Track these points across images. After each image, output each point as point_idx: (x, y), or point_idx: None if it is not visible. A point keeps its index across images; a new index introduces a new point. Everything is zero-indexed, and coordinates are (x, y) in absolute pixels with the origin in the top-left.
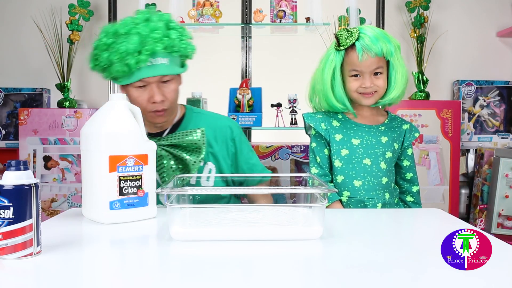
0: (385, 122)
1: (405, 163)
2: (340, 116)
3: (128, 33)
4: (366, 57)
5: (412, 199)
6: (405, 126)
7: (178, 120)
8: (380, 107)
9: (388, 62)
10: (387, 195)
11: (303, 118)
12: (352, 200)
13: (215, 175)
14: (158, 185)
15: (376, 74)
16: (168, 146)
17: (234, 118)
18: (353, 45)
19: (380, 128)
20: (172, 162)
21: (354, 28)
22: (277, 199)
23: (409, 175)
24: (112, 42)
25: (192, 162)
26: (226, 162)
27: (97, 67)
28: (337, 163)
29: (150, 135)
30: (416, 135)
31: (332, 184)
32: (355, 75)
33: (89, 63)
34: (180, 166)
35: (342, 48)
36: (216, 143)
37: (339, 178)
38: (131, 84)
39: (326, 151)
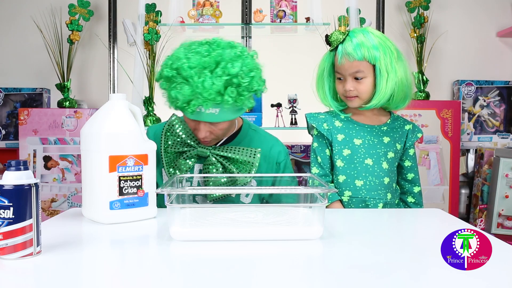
0: (388, 122)
1: (407, 163)
2: (342, 116)
3: (185, 79)
4: (344, 61)
5: (413, 200)
6: (407, 127)
7: (234, 133)
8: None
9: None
10: (389, 195)
11: (306, 118)
12: (354, 200)
13: (257, 189)
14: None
15: (357, 78)
16: (221, 157)
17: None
18: (337, 48)
19: (382, 128)
20: (220, 171)
21: (345, 31)
22: None
23: (410, 176)
24: (171, 77)
25: (241, 179)
26: (267, 183)
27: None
28: (339, 163)
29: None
30: (419, 135)
31: (332, 184)
32: (339, 78)
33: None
34: (228, 180)
35: (331, 49)
36: (264, 162)
37: (341, 178)
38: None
39: (327, 151)
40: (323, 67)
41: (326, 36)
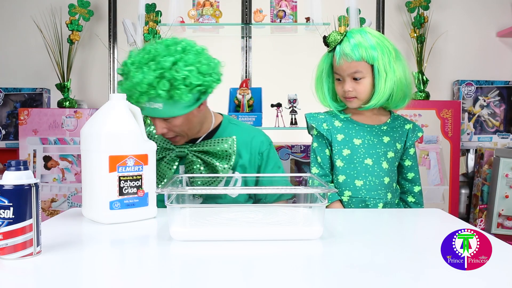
0: (388, 122)
1: (407, 162)
2: (342, 116)
3: (126, 75)
4: (342, 62)
5: (413, 200)
6: (407, 126)
7: (214, 129)
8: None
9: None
10: (389, 195)
11: (306, 118)
12: (354, 200)
13: (242, 175)
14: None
15: (356, 79)
16: (199, 152)
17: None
18: (335, 48)
19: (382, 128)
20: (202, 168)
21: (343, 32)
22: None
23: (410, 175)
24: (120, 74)
25: (221, 169)
26: (251, 172)
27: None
28: (338, 163)
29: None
30: (419, 134)
31: (332, 184)
32: (338, 79)
33: None
34: (209, 171)
35: (329, 50)
36: (247, 153)
37: (341, 178)
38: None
39: (327, 151)
40: (322, 68)
41: (324, 37)
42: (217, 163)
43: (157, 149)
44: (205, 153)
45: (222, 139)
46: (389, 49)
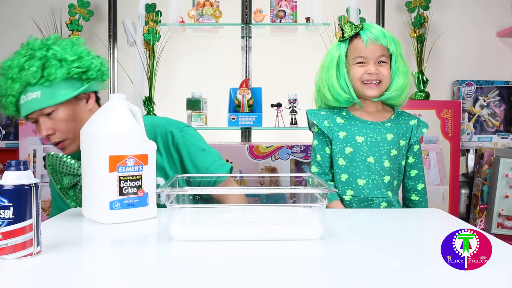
0: (391, 118)
1: (410, 160)
2: (344, 113)
3: (1, 74)
4: (372, 44)
5: (417, 198)
6: (412, 122)
7: None
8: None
9: (391, 56)
10: (389, 193)
11: (307, 115)
12: (356, 199)
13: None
14: None
15: (380, 62)
16: None
17: (234, 119)
18: (357, 34)
19: (386, 125)
20: None
21: (358, 24)
22: (277, 199)
23: (413, 172)
24: None
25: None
26: (175, 172)
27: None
28: (341, 162)
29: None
30: (424, 130)
31: (332, 183)
32: (360, 62)
33: None
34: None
35: (346, 37)
36: (160, 154)
37: (343, 177)
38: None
39: (327, 149)
40: (336, 58)
41: (341, 26)
42: None
43: (65, 178)
44: None
45: None
46: (400, 45)
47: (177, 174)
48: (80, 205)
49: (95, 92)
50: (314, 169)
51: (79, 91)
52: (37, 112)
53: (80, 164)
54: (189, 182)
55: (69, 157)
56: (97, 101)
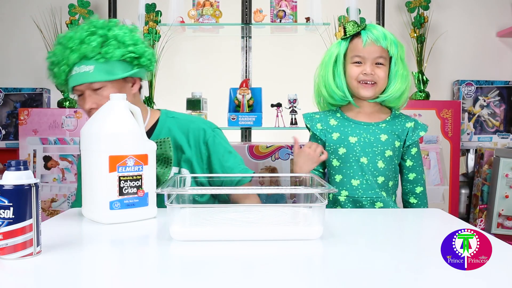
0: (387, 119)
1: (408, 163)
2: (338, 115)
3: (56, 44)
4: (370, 44)
5: (415, 201)
6: (408, 124)
7: (152, 125)
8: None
9: (390, 59)
10: (384, 194)
11: (303, 119)
12: (350, 200)
13: (191, 175)
14: None
15: (378, 64)
16: None
17: (234, 119)
18: (358, 34)
19: (380, 126)
20: None
21: (360, 24)
22: (277, 199)
23: (411, 176)
24: (49, 56)
25: (161, 173)
26: (200, 167)
27: (52, 80)
28: (334, 163)
29: None
30: (422, 133)
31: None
32: (357, 62)
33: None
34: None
35: (348, 36)
36: (189, 148)
37: (338, 178)
38: (74, 94)
39: None
40: (335, 56)
41: (343, 25)
42: (158, 168)
43: None
44: None
45: (158, 142)
46: (403, 49)
47: (203, 168)
48: None
49: (140, 79)
50: None
51: (129, 74)
52: (86, 85)
53: None
54: (211, 182)
55: None
56: (139, 89)
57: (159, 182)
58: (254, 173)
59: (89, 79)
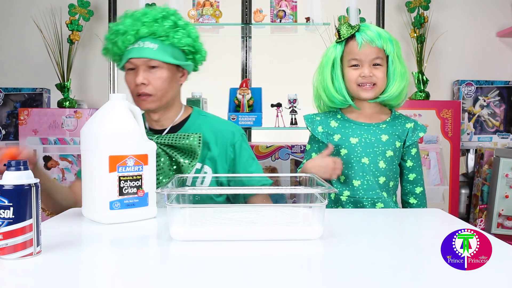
0: (387, 120)
1: (408, 163)
2: (339, 116)
3: (126, 16)
4: (366, 46)
5: (415, 201)
6: (408, 125)
7: (182, 120)
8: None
9: (388, 58)
10: (385, 194)
11: (304, 120)
12: (352, 200)
13: (212, 175)
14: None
15: (375, 65)
16: (165, 146)
17: (234, 118)
18: (353, 36)
19: (381, 126)
20: (167, 162)
21: (355, 25)
22: (277, 199)
23: (412, 176)
24: (111, 27)
25: (186, 165)
26: (223, 167)
27: (103, 51)
28: None
29: (151, 131)
30: (421, 134)
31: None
32: (355, 65)
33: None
34: (175, 167)
35: (342, 39)
36: (216, 146)
37: (341, 178)
38: (125, 67)
39: (313, 155)
40: (332, 59)
41: (337, 28)
42: (181, 159)
43: None
44: (171, 147)
45: (187, 135)
46: (399, 46)
47: (225, 169)
48: None
49: (188, 73)
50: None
51: (185, 63)
52: (145, 61)
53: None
54: (232, 183)
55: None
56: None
57: (182, 173)
58: (272, 183)
59: (151, 55)
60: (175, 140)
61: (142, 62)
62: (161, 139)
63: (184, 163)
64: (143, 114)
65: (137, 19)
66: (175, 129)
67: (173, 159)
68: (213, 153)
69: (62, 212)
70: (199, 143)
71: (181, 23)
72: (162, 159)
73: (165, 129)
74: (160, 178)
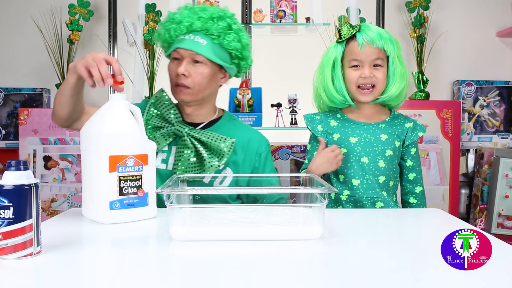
0: (387, 120)
1: (408, 163)
2: (338, 116)
3: (185, 8)
4: (367, 47)
5: (415, 201)
6: (408, 125)
7: (213, 120)
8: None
9: (388, 58)
10: (384, 194)
11: (304, 120)
12: (351, 199)
13: (233, 175)
14: (163, 172)
15: (375, 66)
16: (196, 139)
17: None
18: (354, 36)
19: (380, 126)
20: (192, 155)
21: (355, 25)
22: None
23: (411, 175)
24: (170, 14)
25: (209, 165)
26: (244, 173)
27: (156, 35)
28: None
29: (184, 122)
30: (420, 134)
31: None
32: (355, 66)
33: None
34: (197, 163)
35: (343, 39)
36: (242, 152)
37: (340, 177)
38: (171, 55)
39: (315, 153)
40: (333, 59)
41: (338, 28)
42: (207, 158)
43: (158, 117)
44: (201, 142)
45: (222, 137)
46: (399, 46)
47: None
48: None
49: (229, 77)
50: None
51: (228, 66)
52: (192, 54)
53: (176, 115)
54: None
55: (174, 105)
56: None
57: (203, 171)
58: (287, 198)
59: (198, 50)
60: (210, 138)
61: (188, 54)
62: (194, 132)
63: (208, 162)
64: (176, 105)
65: (194, 12)
66: (205, 127)
67: (199, 154)
68: (238, 158)
69: (62, 212)
70: (230, 149)
71: (235, 27)
72: (186, 151)
73: (197, 125)
74: (179, 164)
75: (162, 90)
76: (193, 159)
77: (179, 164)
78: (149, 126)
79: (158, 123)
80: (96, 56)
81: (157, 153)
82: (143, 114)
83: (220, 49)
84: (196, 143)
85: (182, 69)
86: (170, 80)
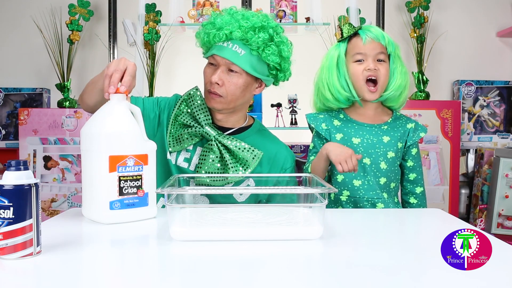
0: (389, 121)
1: (409, 163)
2: (342, 116)
3: (228, 13)
4: (370, 41)
5: (415, 201)
6: (409, 125)
7: (243, 127)
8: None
9: (389, 57)
10: (385, 195)
11: (306, 119)
12: (352, 200)
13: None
14: (185, 171)
15: (379, 61)
16: (222, 145)
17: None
18: (356, 34)
19: (382, 127)
20: (217, 160)
21: (357, 26)
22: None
23: (412, 176)
24: (213, 15)
25: (232, 171)
26: (265, 185)
27: (196, 35)
28: None
29: (213, 125)
30: (422, 134)
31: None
32: (359, 60)
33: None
34: (221, 168)
35: (345, 37)
36: (268, 165)
37: (340, 178)
38: (208, 59)
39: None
40: (336, 58)
41: (340, 27)
42: (231, 167)
43: (188, 114)
44: (227, 149)
45: (250, 149)
46: (399, 49)
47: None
48: (173, 144)
49: (265, 86)
50: (307, 169)
51: (264, 78)
52: (227, 62)
53: (206, 117)
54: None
55: (204, 106)
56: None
57: (224, 172)
58: None
59: (235, 60)
60: (237, 147)
61: (224, 63)
62: (222, 138)
63: (231, 170)
64: (208, 107)
65: (236, 20)
66: (233, 133)
67: (224, 160)
68: (263, 171)
69: (62, 212)
70: (257, 161)
71: (277, 38)
72: (210, 155)
73: (226, 130)
74: (201, 167)
75: (196, 88)
76: (218, 165)
77: (202, 165)
78: (178, 122)
79: (187, 121)
80: (120, 64)
81: (180, 151)
82: (173, 109)
83: (258, 61)
84: (222, 149)
85: (216, 78)
86: (204, 84)
